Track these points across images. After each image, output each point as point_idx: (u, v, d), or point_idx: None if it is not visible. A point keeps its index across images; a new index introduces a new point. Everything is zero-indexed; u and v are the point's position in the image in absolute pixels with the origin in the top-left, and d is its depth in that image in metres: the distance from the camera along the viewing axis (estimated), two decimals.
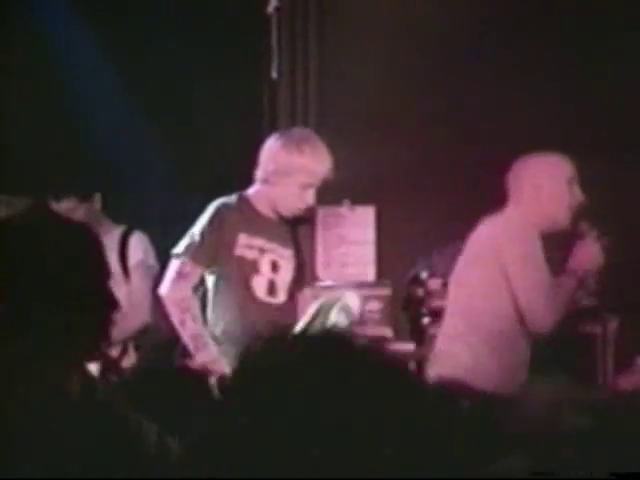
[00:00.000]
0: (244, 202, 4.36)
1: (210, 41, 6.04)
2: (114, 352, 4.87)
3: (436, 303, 5.41)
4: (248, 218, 4.32)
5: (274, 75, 6.13)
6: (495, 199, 5.90)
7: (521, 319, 4.16)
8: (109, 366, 4.79)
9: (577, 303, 4.58)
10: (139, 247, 5.01)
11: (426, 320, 5.32)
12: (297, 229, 4.41)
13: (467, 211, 5.82)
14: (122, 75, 6.09)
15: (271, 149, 4.31)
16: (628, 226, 5.44)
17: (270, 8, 6.04)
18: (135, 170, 6.07)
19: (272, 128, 6.15)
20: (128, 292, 4.93)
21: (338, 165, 4.36)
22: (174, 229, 5.90)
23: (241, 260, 4.28)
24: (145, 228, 5.07)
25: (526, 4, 6.02)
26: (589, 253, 4.26)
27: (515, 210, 4.25)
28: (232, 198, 4.43)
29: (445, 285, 5.49)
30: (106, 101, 6.11)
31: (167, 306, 4.30)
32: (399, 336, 5.48)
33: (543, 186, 4.22)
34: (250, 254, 4.30)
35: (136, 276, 4.95)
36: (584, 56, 5.91)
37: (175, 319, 4.28)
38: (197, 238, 4.29)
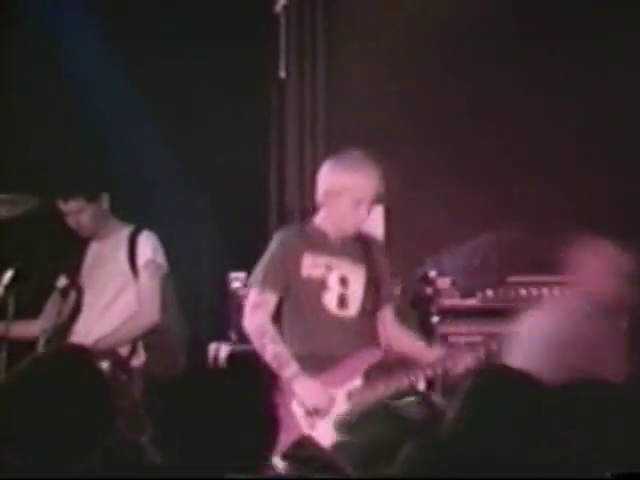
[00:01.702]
0: (308, 226, 4.64)
1: (218, 40, 6.09)
2: (124, 351, 4.91)
3: (445, 302, 5.44)
4: (312, 239, 4.57)
5: (282, 74, 6.16)
6: (504, 199, 5.95)
7: None
8: (118, 365, 4.83)
9: None
10: (148, 246, 5.05)
11: (435, 319, 5.34)
12: (368, 245, 4.61)
13: (477, 211, 5.89)
14: (130, 75, 6.13)
15: (322, 173, 4.59)
16: None
17: (278, 7, 6.06)
18: (143, 170, 6.11)
19: (280, 127, 6.18)
20: (137, 292, 4.97)
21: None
22: (182, 228, 5.96)
23: (309, 279, 4.52)
24: (153, 228, 5.10)
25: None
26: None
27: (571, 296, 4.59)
28: (295, 225, 4.84)
29: (454, 284, 5.54)
30: (114, 101, 6.16)
31: (249, 335, 4.54)
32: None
33: (599, 273, 4.52)
34: (317, 272, 4.53)
35: (145, 275, 4.99)
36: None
37: (256, 345, 4.50)
38: (264, 267, 4.54)
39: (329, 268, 4.56)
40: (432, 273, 5.49)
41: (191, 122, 6.17)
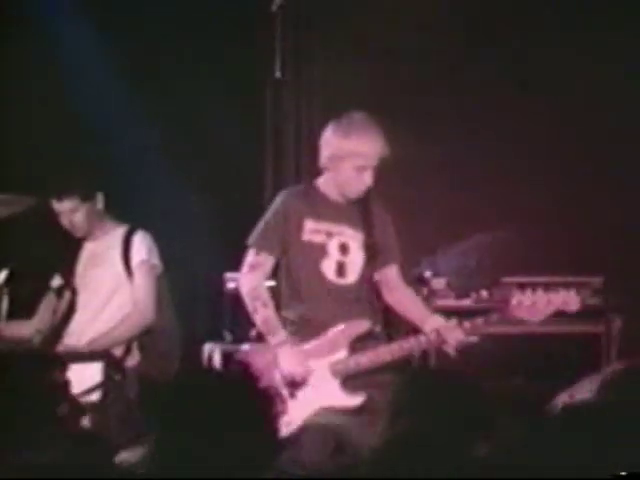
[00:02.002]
0: (311, 189, 4.58)
1: (213, 40, 6.08)
2: (118, 351, 4.90)
3: (439, 302, 5.44)
4: (315, 204, 4.53)
5: (278, 74, 6.15)
6: (499, 200, 5.96)
7: None
8: (112, 365, 4.82)
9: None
10: (142, 246, 5.05)
11: None
12: (369, 211, 4.57)
13: (471, 212, 5.90)
14: (124, 75, 6.13)
15: (325, 136, 4.54)
16: None
17: (274, 6, 6.05)
18: (138, 170, 6.11)
19: (276, 128, 6.18)
20: (131, 292, 4.96)
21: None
22: (178, 229, 5.96)
23: (309, 244, 4.50)
24: (148, 228, 5.10)
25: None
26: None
27: None
28: (299, 187, 4.70)
29: (449, 285, 5.54)
30: (109, 101, 6.16)
31: (241, 296, 4.55)
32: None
33: None
34: (318, 238, 4.51)
35: (139, 275, 5.00)
36: None
37: (249, 307, 4.51)
38: (264, 227, 4.53)
39: (330, 234, 4.54)
40: (427, 274, 5.51)
41: (187, 122, 6.18)
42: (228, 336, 5.44)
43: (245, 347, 4.56)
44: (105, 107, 6.15)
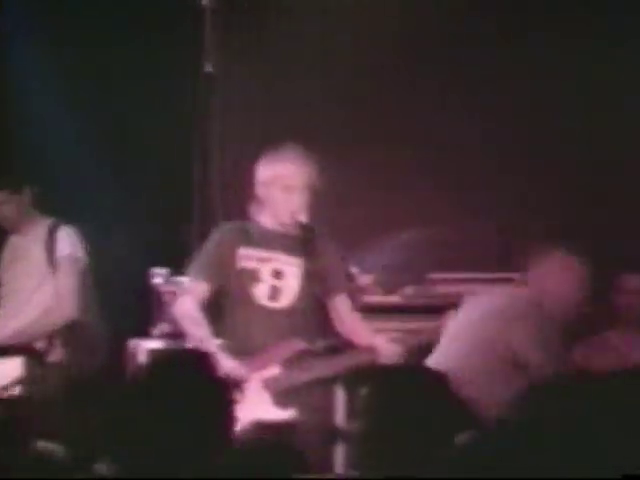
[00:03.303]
0: (248, 220, 4.79)
1: (143, 33, 6.06)
2: (40, 346, 4.86)
3: (367, 299, 5.46)
4: (249, 233, 4.73)
5: (208, 69, 6.11)
6: (427, 197, 6.00)
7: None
8: (33, 360, 4.79)
9: None
10: (66, 241, 5.04)
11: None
12: (310, 237, 4.71)
13: (396, 208, 5.94)
14: (56, 72, 6.12)
15: (258, 166, 4.76)
16: None
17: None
18: (66, 165, 6.08)
19: (204, 123, 6.13)
20: (55, 286, 4.93)
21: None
22: (105, 225, 5.92)
23: (242, 271, 4.66)
24: (76, 223, 5.08)
25: None
26: None
27: (527, 291, 4.69)
28: (236, 221, 4.91)
29: (376, 282, 5.56)
30: (39, 97, 6.14)
31: (175, 319, 4.74)
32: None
33: (558, 284, 4.67)
34: (250, 264, 4.67)
35: (62, 269, 4.98)
36: None
37: (182, 328, 4.69)
38: (199, 258, 4.73)
39: (262, 260, 4.69)
40: (354, 270, 5.52)
41: (114, 119, 6.15)
42: (154, 332, 5.41)
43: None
44: (35, 103, 6.12)
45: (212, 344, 4.53)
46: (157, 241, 5.88)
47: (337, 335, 4.74)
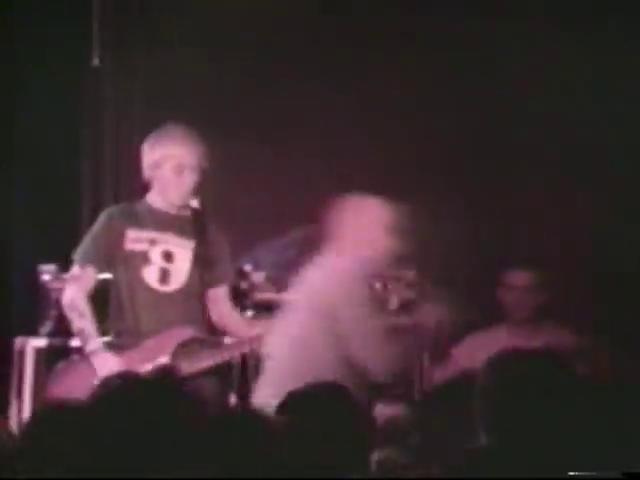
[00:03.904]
0: (139, 203, 4.74)
1: (30, 24, 5.93)
2: None
3: (260, 296, 5.48)
4: (138, 214, 4.68)
5: (96, 62, 6.05)
6: (320, 197, 6.05)
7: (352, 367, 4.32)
8: None
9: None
10: None
11: (250, 313, 5.38)
12: (203, 223, 4.69)
13: (290, 206, 5.96)
14: None
15: (144, 149, 4.73)
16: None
17: None
18: None
19: (94, 116, 6.08)
20: None
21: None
22: None
23: (131, 254, 4.63)
24: None
25: None
26: (430, 314, 4.55)
27: (339, 258, 4.43)
28: (126, 203, 4.87)
29: (269, 278, 5.58)
30: None
31: (64, 311, 4.72)
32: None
33: (363, 231, 4.43)
34: (139, 246, 4.63)
35: None
36: None
37: (68, 319, 4.69)
38: (86, 243, 4.69)
39: (153, 242, 4.64)
40: (247, 267, 5.53)
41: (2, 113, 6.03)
42: (42, 330, 5.33)
43: (60, 365, 4.72)
44: None
45: (95, 340, 4.57)
46: (46, 237, 5.81)
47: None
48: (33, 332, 5.31)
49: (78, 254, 4.69)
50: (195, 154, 4.64)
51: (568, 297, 5.80)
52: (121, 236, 4.63)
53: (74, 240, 5.37)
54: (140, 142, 5.78)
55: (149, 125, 6.01)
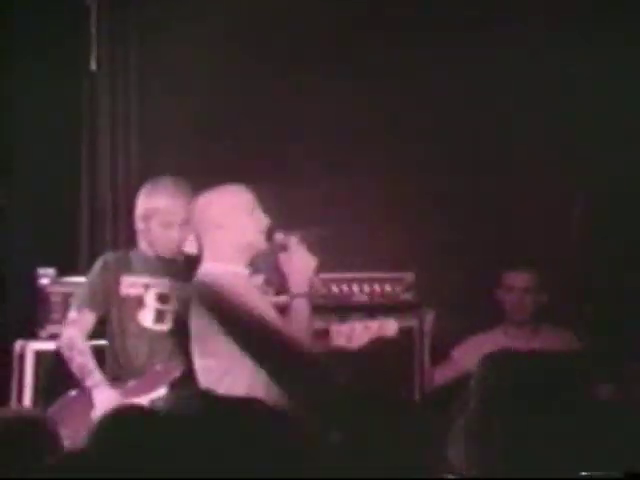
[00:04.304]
0: (132, 250, 4.91)
1: (28, 30, 5.93)
2: None
3: None
4: (132, 261, 4.85)
5: (93, 67, 6.06)
6: (316, 198, 6.06)
7: None
8: None
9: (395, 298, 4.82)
10: None
11: None
12: (192, 264, 4.68)
13: (289, 209, 5.97)
14: None
15: (138, 199, 4.86)
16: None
17: None
18: None
19: (91, 122, 6.08)
20: None
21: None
22: None
23: (127, 298, 4.80)
24: None
25: None
26: (296, 262, 4.44)
27: (212, 257, 4.34)
28: (119, 250, 5.09)
29: (267, 282, 5.58)
30: None
31: (61, 351, 4.82)
32: None
33: (228, 222, 4.32)
34: (134, 291, 4.80)
35: None
36: None
37: (66, 358, 4.77)
38: (83, 288, 4.85)
39: (147, 287, 4.81)
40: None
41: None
42: (41, 333, 5.35)
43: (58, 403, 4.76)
44: None
45: (96, 374, 4.69)
46: (43, 241, 5.82)
47: None
48: (33, 335, 5.33)
49: (75, 299, 4.83)
50: (183, 208, 4.67)
51: (567, 298, 5.81)
52: (116, 283, 4.80)
53: (73, 243, 5.40)
54: (137, 145, 5.82)
55: (148, 126, 6.06)
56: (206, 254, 4.35)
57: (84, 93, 6.10)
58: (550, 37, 6.05)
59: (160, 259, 4.83)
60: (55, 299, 5.28)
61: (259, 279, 5.63)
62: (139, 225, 4.84)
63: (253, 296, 4.37)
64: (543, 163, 6.13)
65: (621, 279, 5.91)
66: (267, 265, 5.82)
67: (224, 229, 4.32)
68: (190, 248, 4.52)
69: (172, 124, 6.02)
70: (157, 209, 4.75)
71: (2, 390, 5.20)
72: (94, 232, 5.94)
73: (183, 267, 4.79)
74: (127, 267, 4.83)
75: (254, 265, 5.73)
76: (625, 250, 5.98)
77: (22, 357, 5.26)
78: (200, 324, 4.25)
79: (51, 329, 5.23)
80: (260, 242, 4.46)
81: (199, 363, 4.25)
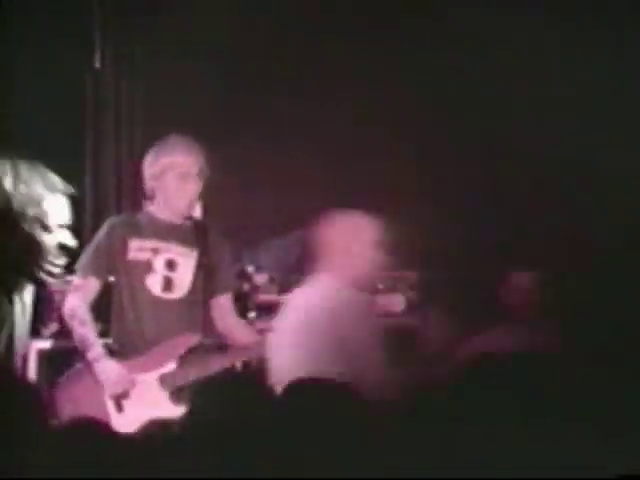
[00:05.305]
0: (141, 213, 4.82)
1: (32, 27, 5.97)
2: None
3: (262, 298, 5.52)
4: (140, 224, 4.75)
5: (97, 64, 6.10)
6: (317, 197, 6.10)
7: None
8: None
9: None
10: None
11: (252, 314, 5.42)
12: (205, 231, 4.75)
13: (292, 206, 6.01)
14: None
15: (146, 161, 4.79)
16: None
17: None
18: None
19: (95, 118, 6.11)
20: None
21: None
22: None
23: (134, 263, 4.70)
24: None
25: None
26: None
27: (330, 278, 4.37)
28: (128, 213, 5.04)
29: (272, 280, 5.63)
30: None
31: (64, 319, 4.76)
32: None
33: (351, 248, 4.36)
34: (142, 255, 4.70)
35: None
36: None
37: (69, 327, 4.72)
38: (88, 253, 4.73)
39: (156, 251, 4.71)
40: (249, 269, 5.57)
41: (4, 114, 6.08)
42: (45, 331, 5.39)
43: (63, 377, 4.72)
44: None
45: (97, 347, 4.62)
46: None
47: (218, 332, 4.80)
48: (36, 334, 5.36)
49: (80, 264, 4.71)
50: (198, 162, 4.71)
51: (569, 297, 5.84)
52: (124, 246, 4.70)
53: (76, 242, 5.41)
54: (141, 143, 5.85)
55: (150, 126, 6.09)
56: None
57: (88, 91, 6.15)
58: (550, 37, 6.08)
59: (169, 223, 4.74)
60: (58, 297, 5.29)
61: (263, 277, 5.68)
62: (152, 184, 4.74)
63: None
64: (544, 163, 6.17)
65: (621, 279, 5.95)
66: (271, 262, 5.87)
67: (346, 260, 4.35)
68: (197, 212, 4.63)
69: (177, 119, 6.05)
70: (173, 162, 4.68)
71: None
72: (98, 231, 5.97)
73: (191, 232, 4.74)
74: (135, 229, 4.74)
75: (257, 262, 5.79)
76: (625, 250, 6.01)
77: (25, 356, 5.28)
78: None
79: (54, 327, 5.26)
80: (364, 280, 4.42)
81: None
